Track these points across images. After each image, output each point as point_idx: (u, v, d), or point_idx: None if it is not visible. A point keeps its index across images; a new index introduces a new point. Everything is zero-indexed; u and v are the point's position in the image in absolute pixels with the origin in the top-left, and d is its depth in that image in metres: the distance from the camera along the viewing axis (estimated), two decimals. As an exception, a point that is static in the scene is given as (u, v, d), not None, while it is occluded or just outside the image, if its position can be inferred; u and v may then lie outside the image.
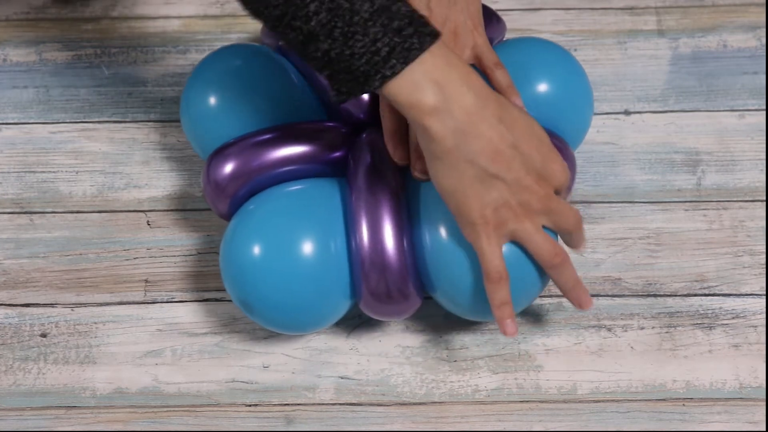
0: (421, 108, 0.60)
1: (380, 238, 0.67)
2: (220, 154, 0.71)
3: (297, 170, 0.71)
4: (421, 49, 0.58)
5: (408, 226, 0.68)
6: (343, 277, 0.69)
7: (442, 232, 0.67)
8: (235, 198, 0.71)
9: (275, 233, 0.68)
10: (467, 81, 0.60)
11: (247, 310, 0.69)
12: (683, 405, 0.72)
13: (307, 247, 0.67)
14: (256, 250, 0.67)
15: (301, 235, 0.67)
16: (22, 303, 0.78)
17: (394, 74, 0.58)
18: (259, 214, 0.69)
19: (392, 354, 0.75)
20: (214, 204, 0.72)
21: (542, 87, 0.73)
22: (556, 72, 0.74)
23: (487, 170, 0.61)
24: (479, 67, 0.71)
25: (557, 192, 0.66)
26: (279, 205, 0.69)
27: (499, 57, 0.72)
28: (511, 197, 0.63)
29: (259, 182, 0.71)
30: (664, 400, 0.73)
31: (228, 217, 0.73)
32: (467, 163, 0.61)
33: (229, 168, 0.70)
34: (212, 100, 0.73)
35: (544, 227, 0.66)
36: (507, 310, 0.65)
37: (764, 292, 0.77)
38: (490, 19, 0.77)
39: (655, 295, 0.77)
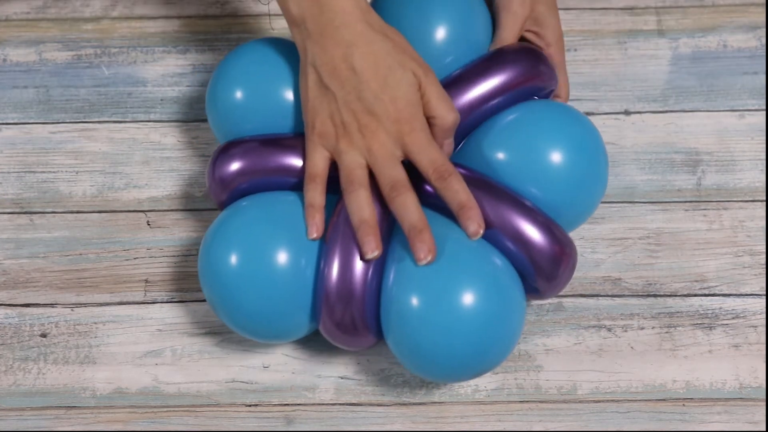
0: (287, 16, 0.69)
1: (351, 270, 0.65)
2: (225, 152, 0.71)
3: (299, 182, 0.71)
4: None
5: (379, 263, 0.67)
6: (306, 296, 0.67)
7: (405, 281, 0.65)
8: (237, 191, 0.71)
9: (250, 237, 0.67)
10: (337, 3, 0.67)
11: (212, 308, 0.69)
12: (683, 405, 0.72)
13: (277, 258, 0.66)
14: (229, 248, 0.67)
15: (275, 245, 0.67)
16: (22, 303, 0.78)
17: None
18: (242, 215, 0.69)
19: (392, 354, 0.75)
20: (217, 196, 0.72)
21: (545, 158, 0.69)
22: (564, 145, 0.70)
23: (323, 80, 0.67)
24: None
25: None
26: (264, 212, 0.69)
27: (503, 119, 0.71)
28: (336, 114, 0.67)
29: (262, 183, 0.71)
30: (664, 400, 0.73)
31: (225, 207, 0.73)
32: (311, 67, 0.68)
33: (234, 166, 0.71)
34: (240, 93, 0.72)
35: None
36: (311, 211, 0.68)
37: (764, 292, 0.77)
38: (536, 64, 0.74)
39: (655, 295, 0.77)
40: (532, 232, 0.67)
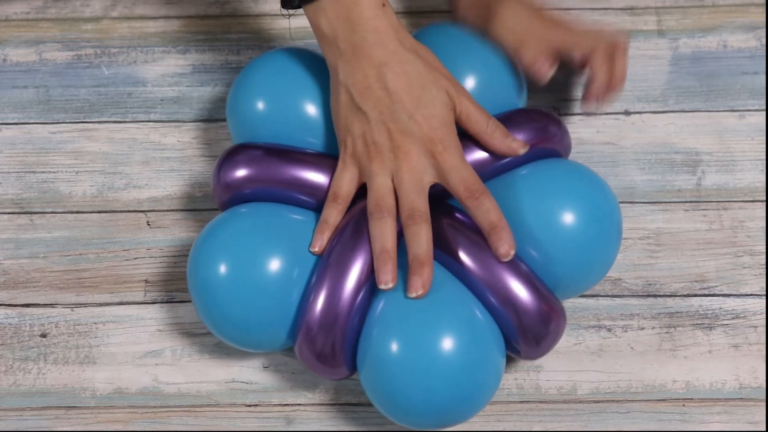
0: (317, 34, 0.69)
1: (338, 297, 0.65)
2: (231, 157, 0.71)
3: (307, 201, 0.71)
4: None
5: (366, 295, 0.66)
6: (286, 312, 0.67)
7: (386, 321, 0.65)
8: (239, 196, 0.71)
9: (238, 244, 0.67)
10: (369, 23, 0.66)
11: (195, 307, 0.69)
12: (683, 405, 0.72)
13: (261, 268, 0.66)
14: (215, 249, 0.68)
15: (267, 257, 0.67)
16: (22, 303, 0.78)
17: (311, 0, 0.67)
18: (234, 222, 0.69)
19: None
20: (219, 198, 0.72)
21: (558, 220, 0.67)
22: (579, 207, 0.68)
23: (354, 100, 0.67)
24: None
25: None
26: (256, 222, 0.69)
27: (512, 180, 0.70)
28: (368, 134, 0.67)
29: (264, 191, 0.71)
30: (664, 400, 0.73)
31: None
32: (344, 87, 0.68)
33: (238, 173, 0.70)
34: (261, 104, 0.72)
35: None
36: (323, 227, 0.68)
37: (764, 292, 0.77)
38: (545, 127, 0.72)
39: (655, 296, 0.77)
40: (519, 290, 0.66)
